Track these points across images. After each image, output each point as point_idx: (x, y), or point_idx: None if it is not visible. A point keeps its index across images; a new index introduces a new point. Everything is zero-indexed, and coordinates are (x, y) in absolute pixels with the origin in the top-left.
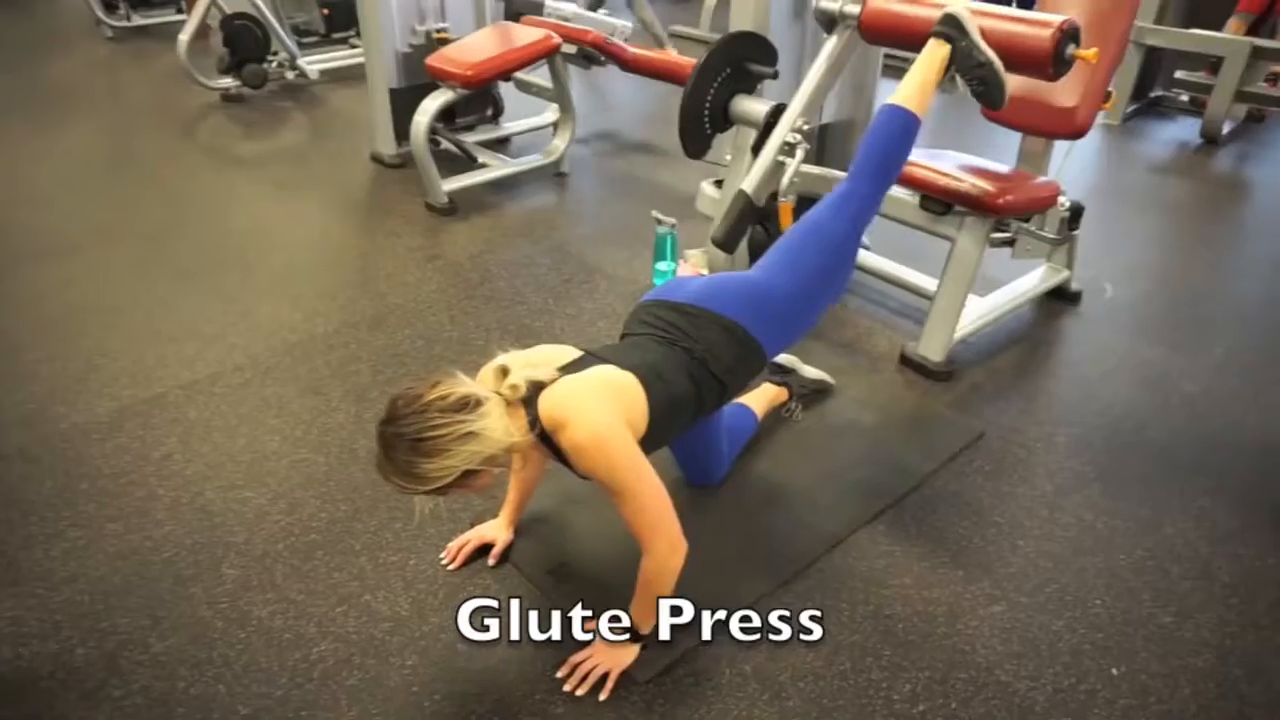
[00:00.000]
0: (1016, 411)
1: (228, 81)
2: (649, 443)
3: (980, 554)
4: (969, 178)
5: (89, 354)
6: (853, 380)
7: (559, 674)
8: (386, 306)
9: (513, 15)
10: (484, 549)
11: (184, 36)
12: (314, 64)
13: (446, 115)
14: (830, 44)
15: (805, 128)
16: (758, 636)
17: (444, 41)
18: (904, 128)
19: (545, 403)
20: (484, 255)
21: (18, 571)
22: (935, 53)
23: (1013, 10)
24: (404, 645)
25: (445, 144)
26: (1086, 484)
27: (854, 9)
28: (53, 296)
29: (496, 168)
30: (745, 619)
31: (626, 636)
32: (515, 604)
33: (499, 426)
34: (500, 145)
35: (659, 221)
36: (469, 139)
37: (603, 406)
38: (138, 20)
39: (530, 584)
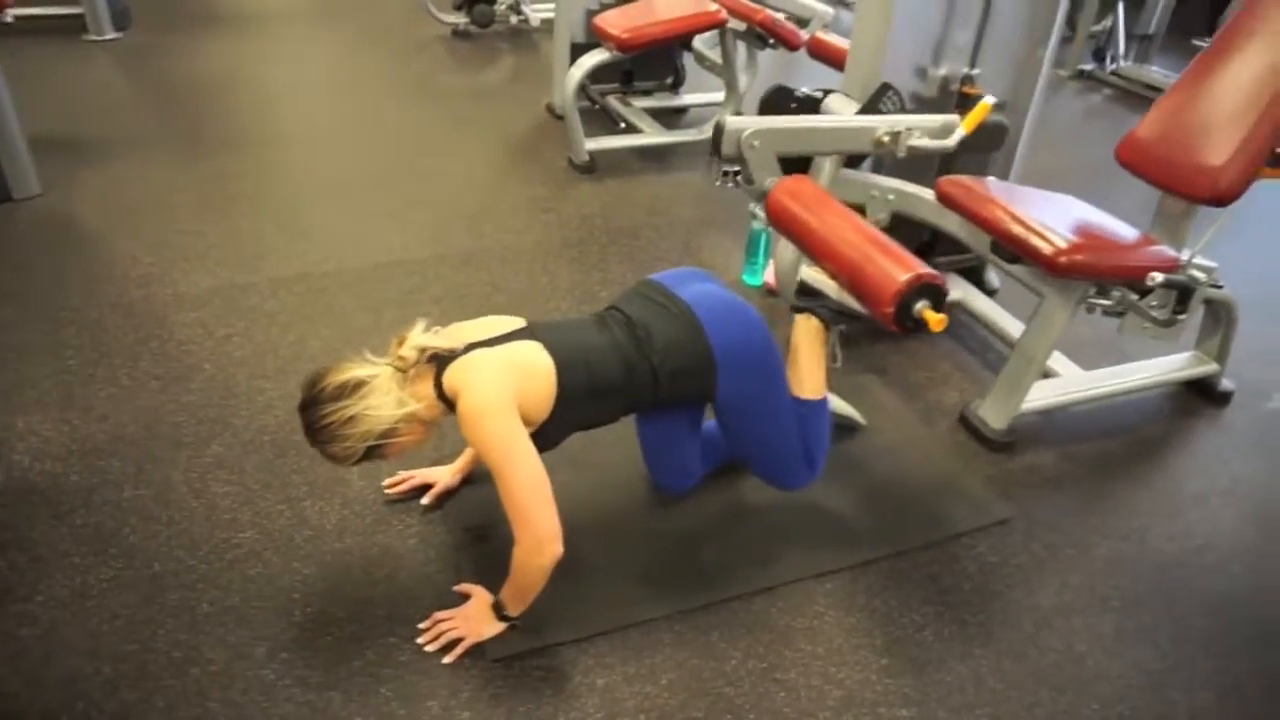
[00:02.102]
0: (1065, 507)
1: (459, 18)
2: (558, 426)
3: (921, 649)
4: (1043, 227)
5: (218, 235)
6: (893, 426)
7: (420, 625)
8: (481, 248)
9: None
10: (426, 488)
11: None
12: (538, 11)
13: (625, 77)
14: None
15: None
16: (626, 656)
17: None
18: (815, 412)
19: (449, 373)
20: (595, 217)
21: (69, 400)
22: (807, 330)
23: (878, 238)
24: (310, 555)
25: (617, 105)
26: (1101, 611)
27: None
28: (220, 182)
29: (646, 135)
30: (624, 634)
31: (492, 610)
32: (416, 549)
33: (386, 402)
34: (675, 115)
35: (754, 216)
36: (642, 104)
37: (493, 382)
38: None
39: (448, 535)
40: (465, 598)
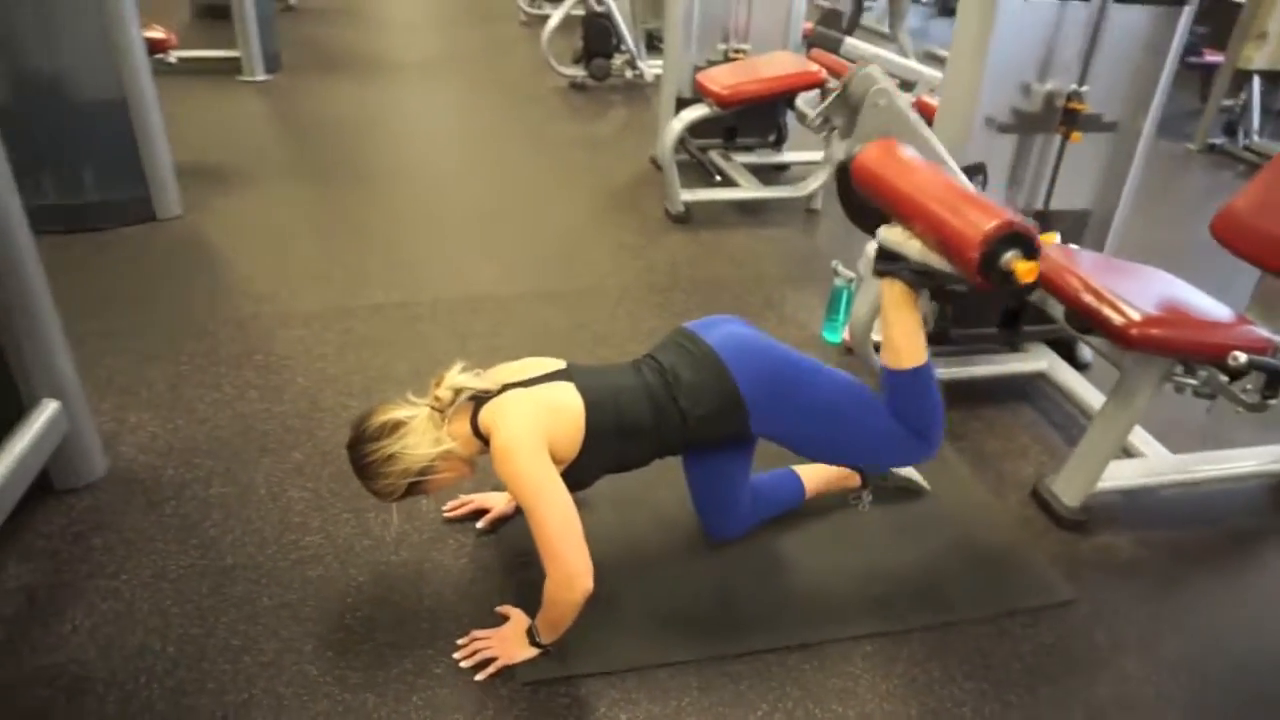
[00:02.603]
0: (1136, 595)
1: (577, 71)
2: (588, 465)
3: None
4: (1117, 297)
5: (329, 262)
6: (959, 493)
7: (459, 641)
8: (569, 288)
9: (811, 46)
10: (483, 512)
11: (549, 27)
12: (652, 67)
13: (729, 132)
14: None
15: None
16: (653, 695)
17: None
18: (914, 381)
19: (484, 412)
20: (683, 266)
21: (177, 402)
22: (893, 293)
23: (963, 192)
24: (367, 563)
25: (718, 160)
26: (1163, 711)
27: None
28: (339, 213)
29: (741, 189)
30: (654, 672)
31: (527, 635)
32: (465, 569)
33: (423, 440)
34: (775, 172)
35: (836, 273)
36: (743, 159)
37: (524, 422)
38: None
39: (497, 559)
40: (504, 619)
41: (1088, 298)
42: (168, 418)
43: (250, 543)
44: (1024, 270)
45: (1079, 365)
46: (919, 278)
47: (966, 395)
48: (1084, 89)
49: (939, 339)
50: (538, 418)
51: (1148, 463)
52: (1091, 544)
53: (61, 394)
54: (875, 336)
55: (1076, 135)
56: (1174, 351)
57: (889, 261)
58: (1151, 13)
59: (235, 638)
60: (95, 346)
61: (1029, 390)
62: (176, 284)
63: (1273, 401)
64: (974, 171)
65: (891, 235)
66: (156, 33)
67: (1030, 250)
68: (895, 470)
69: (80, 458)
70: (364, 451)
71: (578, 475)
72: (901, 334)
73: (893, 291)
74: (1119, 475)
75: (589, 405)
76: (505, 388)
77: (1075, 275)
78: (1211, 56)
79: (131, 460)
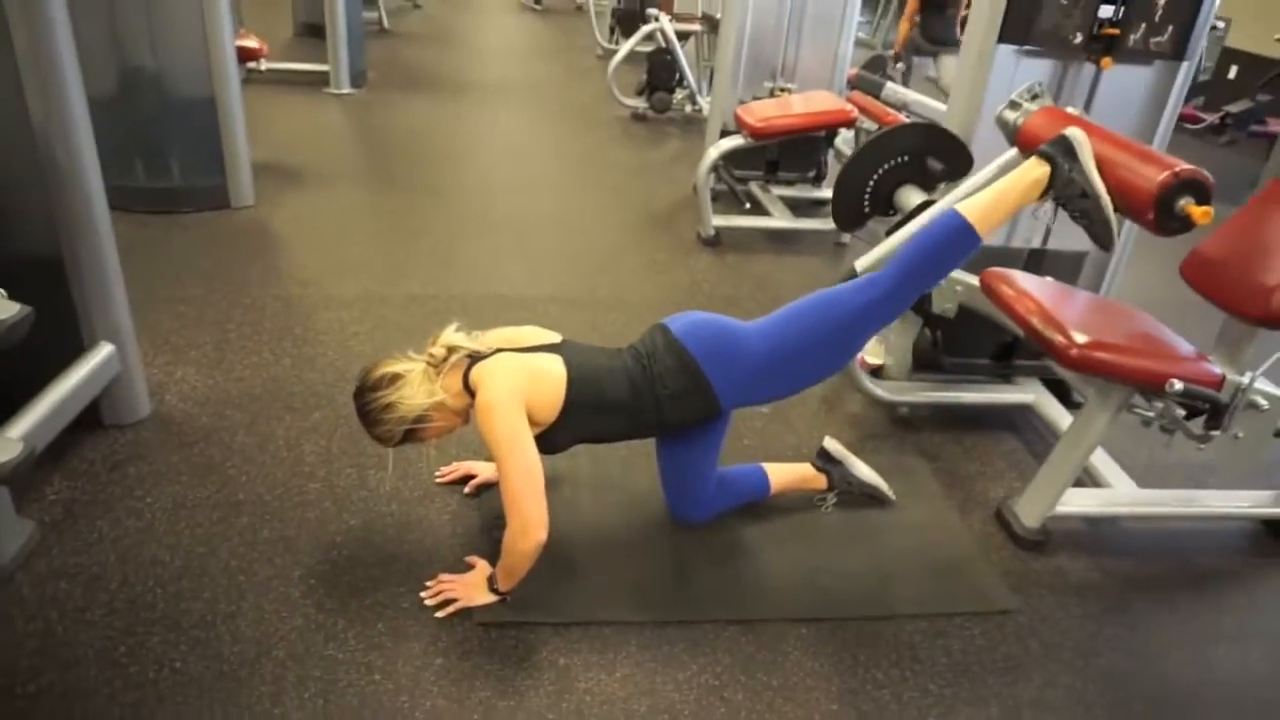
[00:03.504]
0: (1080, 614)
1: (639, 103)
2: (563, 430)
3: (875, 706)
4: (1068, 322)
5: (376, 255)
6: (924, 507)
7: (428, 582)
8: (592, 296)
9: (853, 87)
10: (471, 478)
11: (615, 60)
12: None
13: (770, 166)
14: (1008, 154)
15: None
16: (593, 647)
17: None
18: (955, 237)
19: (475, 370)
20: (704, 284)
21: (220, 362)
22: (1030, 172)
23: (1139, 145)
24: (360, 511)
25: (756, 191)
26: (1080, 719)
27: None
28: (393, 214)
29: (773, 218)
30: (599, 629)
31: (487, 582)
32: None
33: (418, 391)
34: (814, 206)
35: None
36: (781, 191)
37: (506, 383)
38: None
39: (477, 519)
40: (470, 568)
41: (1034, 319)
42: (209, 374)
43: (261, 485)
44: (1199, 214)
45: (1072, 404)
46: (1077, 199)
47: (952, 420)
48: None
49: (930, 365)
50: (520, 381)
51: (1110, 493)
52: (1046, 564)
53: (116, 340)
54: (873, 360)
55: None
56: (1113, 375)
57: (1060, 151)
58: (1151, 70)
59: (234, 560)
60: (161, 310)
61: (1016, 421)
62: (238, 263)
63: (1215, 433)
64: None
65: (1078, 134)
66: (250, 42)
67: (1203, 195)
68: (863, 479)
69: (127, 398)
70: (366, 400)
71: (553, 439)
72: (998, 204)
73: (1037, 170)
74: (1081, 502)
75: (571, 379)
76: (498, 351)
77: (1031, 300)
78: (1275, 125)
79: (172, 407)
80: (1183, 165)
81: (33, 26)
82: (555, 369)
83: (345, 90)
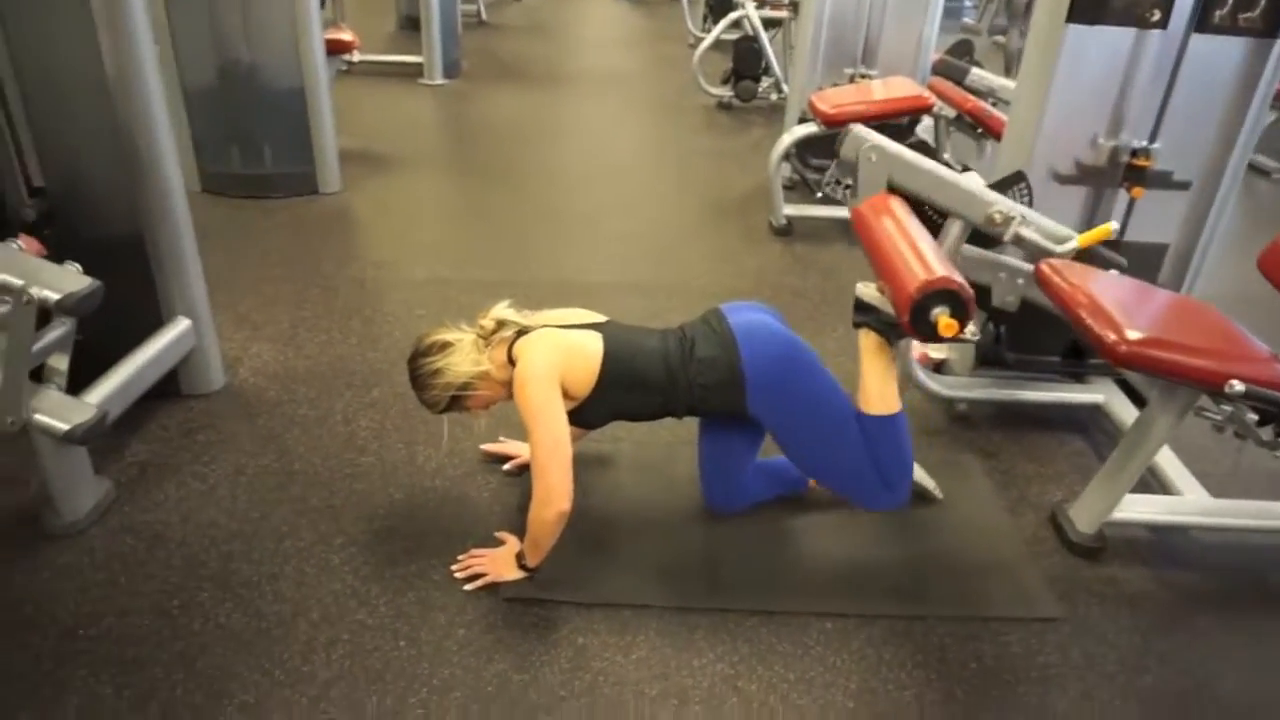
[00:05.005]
0: (1129, 626)
1: (725, 91)
2: (597, 406)
3: (895, 708)
4: (1121, 316)
5: (448, 240)
6: (974, 507)
7: (459, 558)
8: (656, 283)
9: (938, 72)
10: (512, 457)
11: (700, 49)
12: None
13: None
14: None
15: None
16: (612, 628)
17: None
18: (876, 431)
19: (519, 344)
20: (769, 273)
21: (292, 339)
22: (867, 347)
23: (920, 247)
24: (405, 486)
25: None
26: None
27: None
28: (471, 201)
29: (844, 207)
30: (620, 611)
31: (515, 559)
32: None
33: (465, 360)
34: None
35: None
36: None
37: (544, 357)
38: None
39: (515, 498)
40: (500, 544)
41: (1084, 313)
42: (282, 350)
43: (316, 456)
44: (943, 325)
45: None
46: (889, 329)
47: (1013, 418)
48: (1154, 146)
49: (994, 360)
50: (556, 356)
51: (1176, 501)
52: (1098, 572)
53: (193, 315)
54: (936, 354)
55: (1138, 190)
56: (1167, 374)
57: (863, 313)
58: (1239, 46)
59: (284, 525)
60: (245, 289)
61: (1084, 421)
62: (319, 245)
63: None
64: (1012, 181)
65: (866, 290)
66: (344, 34)
67: (960, 310)
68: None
69: (202, 370)
70: (417, 365)
71: (587, 415)
72: (875, 381)
73: (867, 341)
74: (1142, 509)
75: (607, 356)
76: (543, 327)
77: (1082, 292)
78: None
79: (244, 380)
80: (943, 275)
81: (117, 34)
82: (592, 346)
83: (438, 81)
